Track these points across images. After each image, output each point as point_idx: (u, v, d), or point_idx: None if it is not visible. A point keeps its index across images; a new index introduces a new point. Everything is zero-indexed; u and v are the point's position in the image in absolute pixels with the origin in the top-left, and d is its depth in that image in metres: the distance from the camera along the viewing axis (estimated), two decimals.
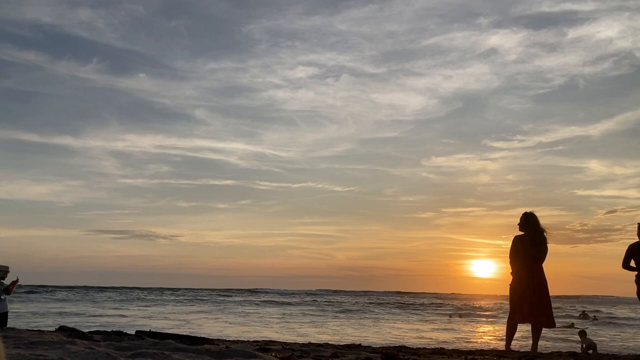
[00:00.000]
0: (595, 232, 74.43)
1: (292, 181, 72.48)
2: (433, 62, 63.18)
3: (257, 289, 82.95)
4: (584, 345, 10.73)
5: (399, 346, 7.41)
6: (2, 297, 9.78)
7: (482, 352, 6.09)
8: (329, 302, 44.58)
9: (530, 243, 6.82)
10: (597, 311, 35.82)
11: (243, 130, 65.90)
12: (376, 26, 62.45)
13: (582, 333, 11.42)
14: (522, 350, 7.10)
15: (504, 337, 7.18)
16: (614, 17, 54.32)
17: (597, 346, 10.83)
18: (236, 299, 46.63)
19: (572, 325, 20.94)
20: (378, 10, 59.90)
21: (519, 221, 7.08)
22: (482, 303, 51.68)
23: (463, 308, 40.15)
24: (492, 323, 24.06)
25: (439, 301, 56.35)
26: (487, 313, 33.57)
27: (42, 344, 4.33)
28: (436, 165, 65.16)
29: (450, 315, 30.61)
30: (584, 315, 29.86)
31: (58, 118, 64.49)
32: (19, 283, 10.02)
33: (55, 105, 61.80)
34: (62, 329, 6.26)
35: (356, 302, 45.29)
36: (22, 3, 55.04)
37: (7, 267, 9.87)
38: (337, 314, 28.23)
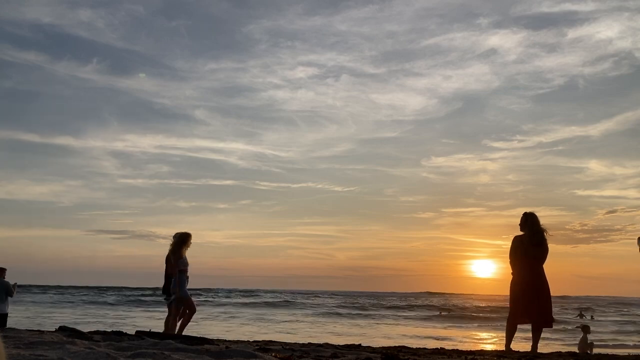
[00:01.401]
0: (595, 232, 74.46)
1: (292, 181, 72.47)
2: (433, 62, 63.24)
3: (257, 289, 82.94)
4: (581, 343, 10.71)
5: (399, 346, 7.41)
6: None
7: (482, 352, 6.10)
8: (328, 302, 44.56)
9: (529, 243, 6.82)
10: (591, 310, 35.73)
11: (243, 130, 65.90)
12: (376, 26, 62.48)
13: (586, 328, 11.36)
14: (522, 350, 7.10)
15: (504, 337, 7.18)
16: (614, 18, 54.35)
17: (594, 348, 10.81)
18: (236, 299, 46.62)
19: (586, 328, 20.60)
20: (378, 11, 59.94)
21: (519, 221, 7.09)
22: (482, 303, 51.67)
23: (462, 308, 40.15)
24: (491, 323, 24.06)
25: (438, 301, 56.33)
26: (483, 315, 33.54)
27: (42, 344, 4.33)
28: (436, 165, 65.15)
29: (440, 313, 30.61)
30: (580, 315, 29.78)
31: (58, 118, 64.48)
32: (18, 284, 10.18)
33: (56, 105, 61.76)
34: (62, 329, 6.26)
35: (356, 302, 45.28)
36: (22, 3, 55.05)
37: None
38: (337, 314, 28.22)
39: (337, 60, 63.08)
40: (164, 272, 7.96)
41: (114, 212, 73.48)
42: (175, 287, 7.64)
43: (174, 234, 7.95)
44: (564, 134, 59.81)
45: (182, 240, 7.78)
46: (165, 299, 7.96)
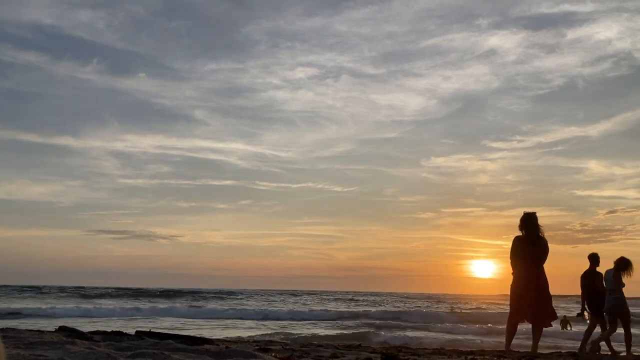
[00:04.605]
0: (595, 233, 74.49)
1: (292, 181, 72.38)
2: (432, 62, 63.19)
3: (256, 289, 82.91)
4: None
5: (399, 346, 7.41)
6: None
7: (482, 352, 6.10)
8: (328, 302, 44.57)
9: (527, 243, 6.84)
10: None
11: (243, 131, 65.94)
12: (376, 27, 62.49)
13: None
14: (522, 350, 7.10)
15: (504, 337, 7.18)
16: (613, 18, 54.31)
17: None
18: (236, 299, 46.61)
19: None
20: (377, 12, 60.00)
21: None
22: (482, 303, 51.63)
23: (464, 308, 40.11)
24: (491, 323, 24.03)
25: (438, 301, 56.31)
26: (486, 314, 33.52)
27: (42, 344, 4.33)
28: (436, 165, 65.16)
29: (452, 308, 30.59)
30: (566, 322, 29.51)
31: (58, 118, 64.47)
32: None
33: (56, 105, 61.79)
34: (62, 329, 6.25)
35: (356, 302, 45.26)
36: (22, 4, 55.05)
37: None
38: (337, 314, 28.22)
39: (337, 60, 63.11)
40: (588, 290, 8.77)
41: (114, 212, 73.40)
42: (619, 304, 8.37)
43: (619, 259, 8.49)
44: (564, 134, 59.87)
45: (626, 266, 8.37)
46: (578, 313, 9.10)
